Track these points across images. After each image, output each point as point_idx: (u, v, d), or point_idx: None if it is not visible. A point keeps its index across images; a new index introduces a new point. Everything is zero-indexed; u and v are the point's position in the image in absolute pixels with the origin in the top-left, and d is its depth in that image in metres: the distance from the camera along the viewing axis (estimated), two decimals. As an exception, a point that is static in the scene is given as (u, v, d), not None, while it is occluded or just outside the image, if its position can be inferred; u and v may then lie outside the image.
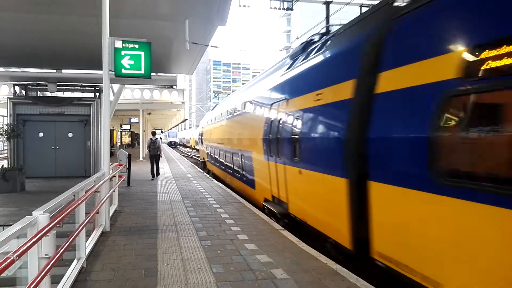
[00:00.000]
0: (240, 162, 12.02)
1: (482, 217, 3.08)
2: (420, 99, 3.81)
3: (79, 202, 4.50)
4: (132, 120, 32.10)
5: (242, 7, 19.55)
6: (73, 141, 14.21)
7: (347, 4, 17.81)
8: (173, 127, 60.85)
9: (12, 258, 2.37)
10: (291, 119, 7.30)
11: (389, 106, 4.33)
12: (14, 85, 14.31)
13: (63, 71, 13.84)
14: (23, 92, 14.17)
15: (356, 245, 5.00)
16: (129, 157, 13.49)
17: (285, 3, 18.61)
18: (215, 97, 62.86)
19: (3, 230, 2.76)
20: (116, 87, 14.97)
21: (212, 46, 11.49)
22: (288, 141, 7.31)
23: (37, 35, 9.70)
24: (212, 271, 4.77)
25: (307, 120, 6.56)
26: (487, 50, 3.13)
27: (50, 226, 3.20)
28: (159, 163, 15.92)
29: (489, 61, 3.10)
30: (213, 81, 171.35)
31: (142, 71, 6.99)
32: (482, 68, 3.16)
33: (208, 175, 17.03)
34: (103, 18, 6.84)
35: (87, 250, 5.10)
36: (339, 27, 7.03)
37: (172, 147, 67.90)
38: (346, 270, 4.83)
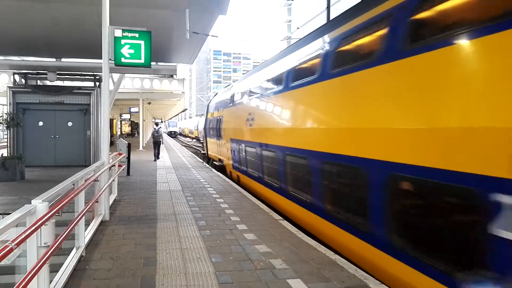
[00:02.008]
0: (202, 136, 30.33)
1: (213, 142, 18.09)
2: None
3: (78, 191, 4.50)
4: (132, 110, 32.00)
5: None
6: (73, 130, 14.19)
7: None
8: (173, 116, 60.94)
9: (10, 246, 2.37)
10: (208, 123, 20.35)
11: (210, 121, 19.32)
12: (14, 73, 14.25)
13: (62, 60, 13.74)
14: (23, 81, 14.11)
15: (206, 155, 21.07)
16: (129, 146, 13.49)
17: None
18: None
19: (2, 218, 2.76)
20: (116, 76, 14.91)
21: (212, 35, 11.44)
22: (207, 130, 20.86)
23: (37, 23, 9.61)
24: (211, 260, 4.79)
25: (209, 124, 19.70)
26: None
27: (49, 215, 3.20)
28: (160, 150, 19.70)
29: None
30: (214, 70, 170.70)
31: (142, 60, 6.95)
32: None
33: (208, 165, 17.09)
34: (103, 7, 6.78)
35: (86, 239, 5.12)
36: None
37: (172, 137, 67.75)
38: (345, 260, 4.85)
